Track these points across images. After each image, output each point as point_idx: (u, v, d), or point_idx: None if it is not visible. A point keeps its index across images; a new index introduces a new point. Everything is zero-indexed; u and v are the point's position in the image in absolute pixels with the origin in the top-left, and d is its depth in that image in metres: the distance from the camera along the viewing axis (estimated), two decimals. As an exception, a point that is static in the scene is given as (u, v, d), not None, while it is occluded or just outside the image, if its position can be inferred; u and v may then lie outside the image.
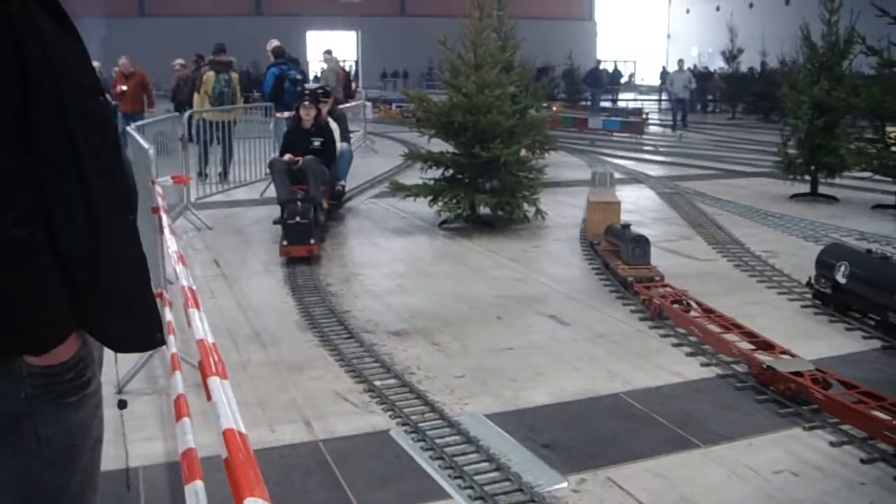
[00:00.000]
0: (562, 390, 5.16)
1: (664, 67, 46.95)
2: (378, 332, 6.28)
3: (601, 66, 35.18)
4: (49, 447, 1.87)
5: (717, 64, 36.72)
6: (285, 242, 8.44)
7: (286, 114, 14.09)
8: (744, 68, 31.71)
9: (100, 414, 2.00)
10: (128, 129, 8.08)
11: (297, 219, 8.52)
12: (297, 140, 10.21)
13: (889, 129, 11.83)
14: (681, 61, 29.32)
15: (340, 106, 18.32)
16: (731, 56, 31.16)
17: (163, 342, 2.03)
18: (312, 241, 8.46)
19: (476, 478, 3.98)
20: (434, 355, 5.83)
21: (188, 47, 26.57)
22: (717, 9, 52.13)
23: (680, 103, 27.13)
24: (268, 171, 10.49)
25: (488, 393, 5.15)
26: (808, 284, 7.15)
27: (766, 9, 46.94)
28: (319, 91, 11.33)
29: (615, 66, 43.70)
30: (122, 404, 3.17)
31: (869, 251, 6.87)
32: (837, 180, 12.97)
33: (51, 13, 1.80)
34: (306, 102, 10.38)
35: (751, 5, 49.98)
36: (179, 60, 19.16)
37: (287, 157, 9.84)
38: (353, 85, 22.37)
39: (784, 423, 4.73)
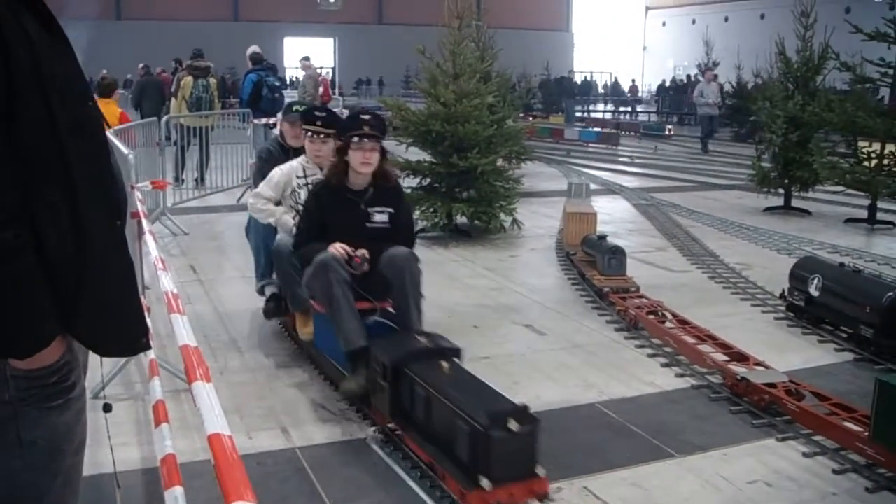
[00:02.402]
0: (538, 399, 5.18)
1: (633, 81, 47.22)
2: (355, 340, 6.27)
3: (573, 77, 35.36)
4: (32, 450, 1.87)
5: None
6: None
7: (263, 120, 14.10)
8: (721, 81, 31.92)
9: (83, 418, 2.00)
10: (108, 133, 8.03)
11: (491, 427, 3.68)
12: (338, 209, 5.21)
13: (861, 144, 11.97)
14: (709, 70, 25.83)
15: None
16: (706, 69, 31.33)
17: (148, 347, 2.03)
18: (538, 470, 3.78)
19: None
20: (411, 363, 5.82)
21: (166, 52, 26.56)
22: (693, 22, 52.46)
23: (709, 120, 23.20)
24: (248, 200, 6.20)
25: (465, 401, 5.15)
26: (782, 297, 7.22)
27: (741, 23, 47.31)
28: (369, 118, 5.31)
29: (590, 76, 43.91)
30: (107, 408, 3.16)
31: (842, 265, 6.95)
32: (811, 194, 13.12)
33: (39, 17, 1.80)
34: (364, 139, 5.06)
35: (726, 19, 50.35)
36: (142, 65, 19.00)
37: (339, 248, 4.94)
38: (332, 92, 22.33)
39: (758, 434, 4.78)
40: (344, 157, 5.13)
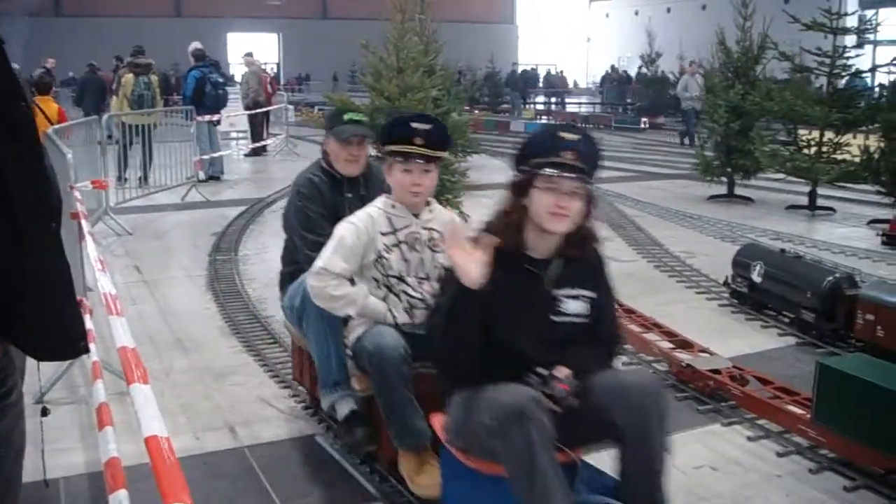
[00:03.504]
0: (487, 392, 5.20)
1: (561, 72, 47.08)
2: (303, 337, 6.25)
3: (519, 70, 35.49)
4: (-32, 458, 1.84)
5: (637, 68, 37.22)
6: None
7: (207, 117, 13.97)
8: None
9: (21, 424, 1.97)
10: (47, 132, 7.87)
11: None
12: (512, 292, 3.07)
13: (801, 132, 12.18)
14: (693, 64, 22.70)
15: (262, 109, 18.26)
16: (649, 60, 31.64)
17: (86, 350, 2.01)
18: None
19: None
20: (359, 359, 5.82)
21: (107, 49, 26.19)
22: (636, 13, 52.86)
23: (694, 113, 20.71)
24: (308, 281, 3.85)
25: (414, 395, 5.16)
26: (725, 284, 7.32)
27: (683, 14, 47.74)
28: (576, 138, 3.42)
29: (534, 69, 44.02)
30: (44, 412, 3.12)
31: (783, 251, 7.07)
32: (753, 182, 13.31)
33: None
34: (563, 174, 3.03)
35: (668, 10, 50.78)
36: (51, 60, 18.51)
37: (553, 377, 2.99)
38: (274, 88, 22.17)
39: (703, 420, 4.84)
40: (521, 201, 3.05)
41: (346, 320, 3.88)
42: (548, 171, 2.96)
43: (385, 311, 3.74)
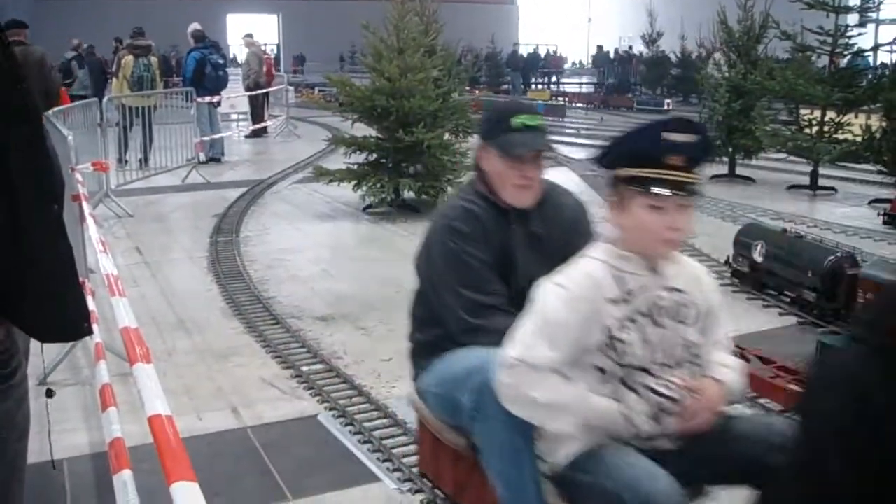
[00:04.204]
0: (488, 372, 5.22)
1: (555, 52, 46.67)
2: (304, 318, 6.27)
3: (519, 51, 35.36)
4: (-28, 440, 1.85)
5: (638, 48, 37.07)
6: None
7: (207, 99, 13.95)
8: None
9: (25, 406, 1.98)
10: (47, 114, 7.86)
11: None
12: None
13: (802, 111, 12.15)
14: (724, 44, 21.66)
15: (263, 91, 18.22)
16: (651, 40, 31.50)
17: (90, 332, 2.01)
18: None
19: (405, 460, 4.02)
20: (360, 340, 5.84)
21: (105, 30, 26.11)
22: (637, -8, 52.63)
23: None
24: (500, 378, 2.45)
25: (416, 376, 5.18)
26: (727, 263, 7.32)
27: (684, -7, 47.51)
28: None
29: (535, 49, 43.82)
30: (49, 393, 3.13)
31: (784, 230, 7.07)
32: (754, 161, 13.29)
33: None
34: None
35: (670, -11, 50.55)
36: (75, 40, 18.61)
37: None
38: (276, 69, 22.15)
39: (704, 399, 4.85)
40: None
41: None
42: (655, 189, 2.39)
43: (618, 418, 2.47)
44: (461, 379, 2.77)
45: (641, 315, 2.47)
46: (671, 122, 2.43)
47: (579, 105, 28.24)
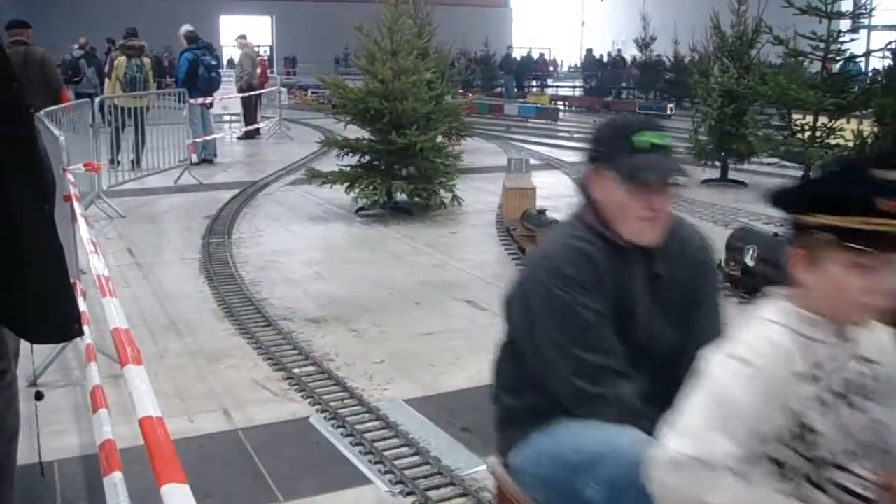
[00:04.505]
0: (480, 374, 5.19)
1: (542, 55, 46.64)
2: (296, 320, 6.26)
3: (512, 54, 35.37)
4: (-38, 441, 1.83)
5: (631, 52, 37.11)
6: None
7: (200, 100, 13.93)
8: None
9: (15, 406, 1.97)
10: (38, 115, 7.83)
11: None
12: None
13: (795, 116, 12.18)
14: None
15: (256, 92, 18.21)
16: (644, 44, 31.55)
17: (80, 333, 2.01)
18: None
19: (396, 462, 4.02)
20: (352, 342, 5.83)
21: (98, 30, 26.04)
22: (631, -4, 52.69)
23: None
24: (660, 477, 1.86)
25: (407, 378, 5.18)
26: (719, 267, 7.29)
27: (678, -3, 47.59)
28: None
29: (528, 53, 43.82)
30: (38, 395, 3.12)
31: (776, 234, 7.07)
32: (746, 166, 13.30)
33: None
34: None
35: (663, -7, 50.63)
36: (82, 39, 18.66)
37: None
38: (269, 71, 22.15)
39: (696, 403, 4.85)
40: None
41: None
42: (863, 245, 1.82)
43: None
44: (583, 465, 2.25)
45: (834, 395, 1.95)
46: (882, 156, 1.90)
47: (579, 109, 28.13)
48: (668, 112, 24.25)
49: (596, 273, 2.36)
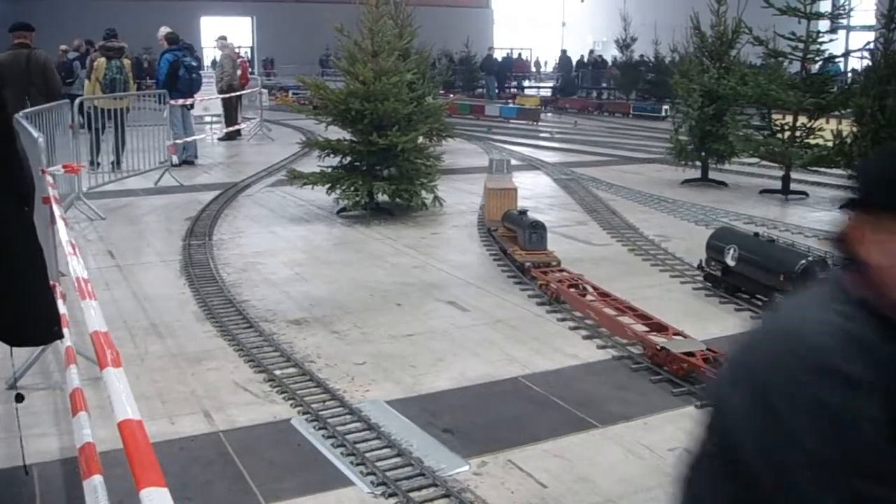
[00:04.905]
0: (462, 375, 5.22)
1: (520, 55, 46.75)
2: (277, 322, 6.25)
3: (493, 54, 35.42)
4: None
5: (612, 52, 37.19)
6: None
7: (180, 101, 13.87)
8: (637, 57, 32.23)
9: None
10: (16, 116, 7.75)
11: None
12: None
13: (774, 116, 12.25)
14: None
15: (237, 93, 18.15)
16: (624, 45, 31.64)
17: (60, 336, 2.00)
18: None
19: (378, 464, 4.01)
20: (334, 343, 5.82)
21: (77, 32, 25.90)
22: (611, -3, 52.81)
23: None
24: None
25: (389, 379, 5.17)
26: (700, 267, 7.36)
27: (658, -2, 47.76)
28: None
29: (509, 53, 43.90)
30: (19, 398, 3.09)
31: (756, 234, 7.12)
32: (727, 166, 13.37)
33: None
34: None
35: (643, -6, 50.79)
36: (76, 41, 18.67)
37: None
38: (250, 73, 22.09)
39: (677, 402, 4.88)
40: None
41: None
42: None
43: None
44: None
45: None
46: None
47: (572, 110, 28.13)
48: (664, 114, 23.72)
49: (877, 368, 1.55)
